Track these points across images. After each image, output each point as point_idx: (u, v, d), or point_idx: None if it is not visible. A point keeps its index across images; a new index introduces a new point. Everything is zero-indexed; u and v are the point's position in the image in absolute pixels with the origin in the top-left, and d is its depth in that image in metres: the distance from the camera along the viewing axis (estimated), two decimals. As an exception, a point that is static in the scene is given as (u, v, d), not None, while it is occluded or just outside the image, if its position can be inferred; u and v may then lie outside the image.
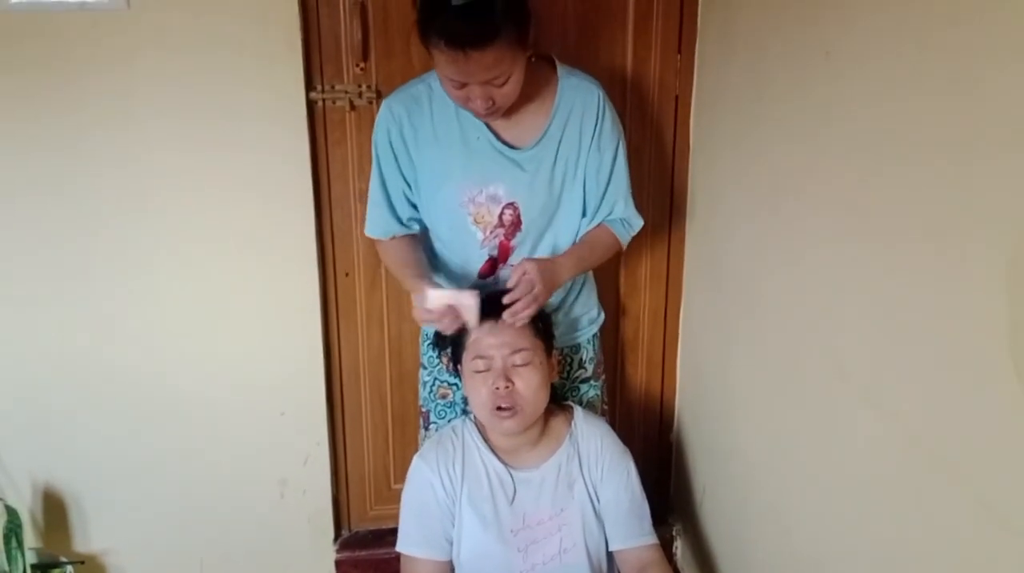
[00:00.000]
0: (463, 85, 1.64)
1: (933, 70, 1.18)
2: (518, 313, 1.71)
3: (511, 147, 1.82)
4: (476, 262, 1.88)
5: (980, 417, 1.10)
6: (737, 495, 2.02)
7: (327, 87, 2.09)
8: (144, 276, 2.11)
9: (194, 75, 2.00)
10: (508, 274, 1.83)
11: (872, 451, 1.38)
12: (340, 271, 2.23)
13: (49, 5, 1.92)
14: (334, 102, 2.10)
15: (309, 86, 2.07)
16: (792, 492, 1.72)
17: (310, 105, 2.09)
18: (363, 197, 2.08)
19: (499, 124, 1.82)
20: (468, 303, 1.71)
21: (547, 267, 1.78)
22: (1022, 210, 0.99)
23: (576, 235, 1.92)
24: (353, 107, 2.11)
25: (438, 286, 1.78)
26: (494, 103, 1.67)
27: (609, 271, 2.33)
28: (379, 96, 2.08)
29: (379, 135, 1.85)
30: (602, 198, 1.89)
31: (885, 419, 1.33)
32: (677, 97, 2.23)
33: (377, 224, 1.91)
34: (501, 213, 1.83)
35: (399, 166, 1.85)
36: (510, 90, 1.67)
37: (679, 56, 2.20)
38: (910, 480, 1.27)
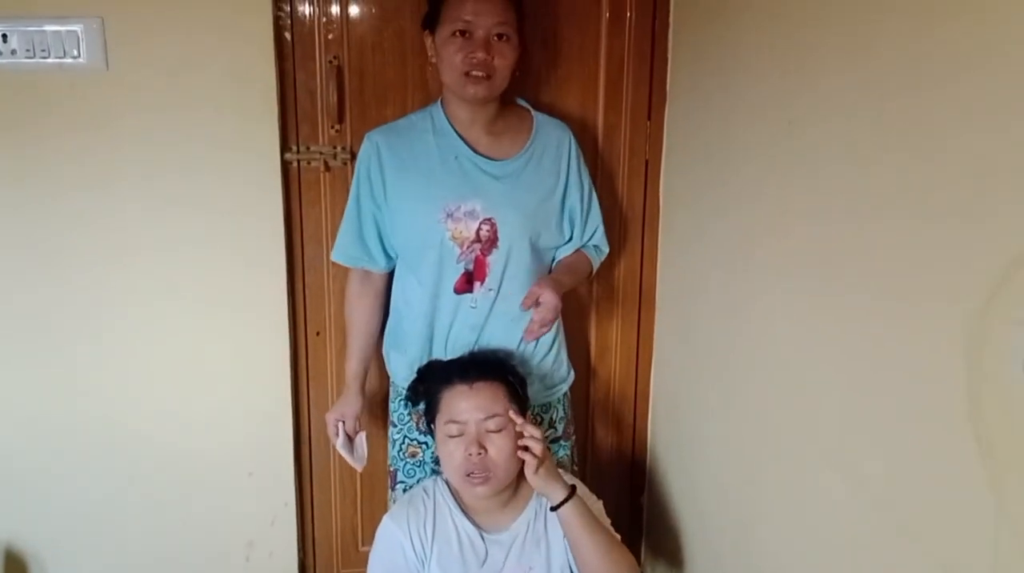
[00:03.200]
0: (467, 36, 1.80)
1: (892, 137, 1.21)
2: (535, 331, 1.87)
3: (489, 159, 1.91)
4: (451, 279, 1.92)
5: (941, 481, 1.11)
6: (709, 560, 2.01)
7: (302, 148, 2.12)
8: (113, 333, 2.10)
9: (171, 134, 2.03)
10: (483, 296, 1.91)
11: (839, 514, 1.39)
12: (311, 330, 2.23)
13: (27, 66, 1.94)
14: (309, 163, 2.13)
15: (284, 147, 2.10)
16: (764, 556, 1.71)
17: (285, 165, 2.11)
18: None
19: (479, 142, 1.93)
20: (360, 455, 2.03)
21: (555, 283, 1.89)
22: (976, 278, 1.02)
23: (552, 261, 2.02)
24: (328, 168, 2.13)
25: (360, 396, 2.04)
26: (492, 60, 1.81)
27: (580, 332, 2.34)
28: (353, 158, 2.10)
29: (359, 164, 1.94)
30: (585, 223, 2.03)
31: (851, 482, 1.34)
32: (647, 161, 2.28)
33: (342, 249, 1.99)
34: (478, 228, 1.88)
35: (372, 192, 1.93)
36: (508, 54, 1.84)
37: (649, 122, 2.25)
38: (875, 543, 1.27)
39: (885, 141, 1.23)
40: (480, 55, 1.80)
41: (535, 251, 1.95)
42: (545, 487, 1.75)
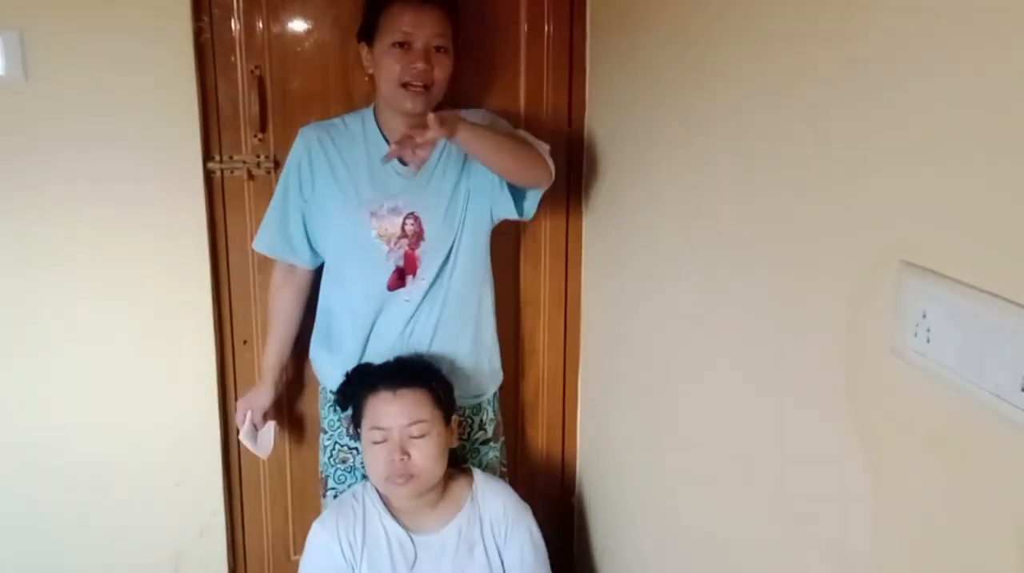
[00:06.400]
0: (406, 47, 1.83)
1: (777, 144, 1.27)
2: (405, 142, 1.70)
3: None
4: (383, 277, 1.94)
5: (827, 468, 1.17)
6: (634, 558, 2.05)
7: (225, 157, 2.12)
8: (34, 342, 2.08)
9: (92, 146, 2.02)
10: (416, 287, 1.94)
11: (744, 509, 1.45)
12: (238, 339, 2.23)
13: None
14: (232, 172, 2.13)
15: (207, 156, 2.10)
16: (681, 554, 1.76)
17: (208, 175, 2.11)
18: (262, 266, 2.11)
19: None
20: (265, 445, 2.08)
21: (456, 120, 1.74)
22: (851, 272, 1.08)
23: (484, 253, 2.03)
24: (251, 177, 2.14)
25: (274, 388, 2.11)
26: (432, 72, 1.84)
27: (508, 332, 2.36)
28: (277, 166, 2.12)
29: (291, 157, 1.98)
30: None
31: (753, 476, 1.41)
32: (568, 165, 2.31)
33: (265, 238, 2.01)
34: (403, 224, 1.92)
35: (300, 187, 1.96)
36: (446, 65, 1.88)
37: (569, 128, 2.30)
38: (774, 533, 1.33)
39: (770, 147, 1.29)
40: (420, 65, 1.83)
41: (465, 244, 1.98)
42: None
